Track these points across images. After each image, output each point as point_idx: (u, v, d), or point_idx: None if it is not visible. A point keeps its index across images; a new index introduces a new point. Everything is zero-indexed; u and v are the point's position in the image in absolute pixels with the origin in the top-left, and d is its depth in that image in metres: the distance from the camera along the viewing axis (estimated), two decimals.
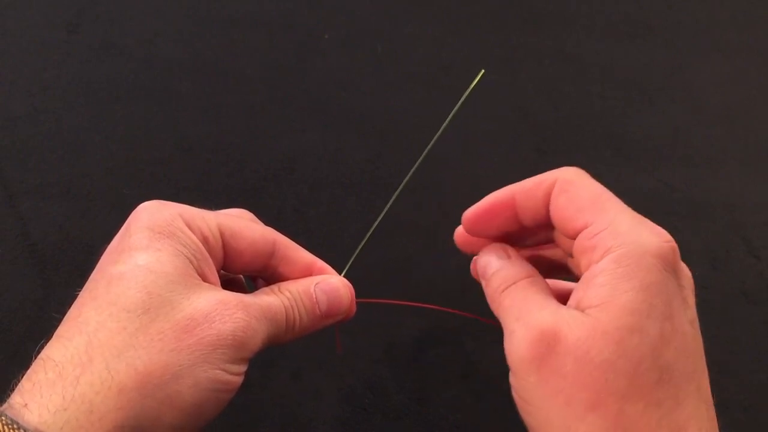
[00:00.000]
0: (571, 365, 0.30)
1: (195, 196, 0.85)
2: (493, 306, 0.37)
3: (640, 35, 1.14)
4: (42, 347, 0.33)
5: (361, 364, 0.69)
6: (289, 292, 0.40)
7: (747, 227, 0.87)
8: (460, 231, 0.41)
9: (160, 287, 0.33)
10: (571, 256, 0.38)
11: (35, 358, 0.33)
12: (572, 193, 0.34)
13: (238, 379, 0.35)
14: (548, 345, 0.30)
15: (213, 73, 0.99)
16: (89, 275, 0.38)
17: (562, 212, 0.35)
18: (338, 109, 0.96)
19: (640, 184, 0.90)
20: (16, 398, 0.31)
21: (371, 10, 1.12)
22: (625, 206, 0.34)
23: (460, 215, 0.40)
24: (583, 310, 0.32)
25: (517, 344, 0.32)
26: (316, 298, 0.40)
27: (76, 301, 0.35)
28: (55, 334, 0.34)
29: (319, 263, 0.43)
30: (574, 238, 0.35)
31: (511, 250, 0.38)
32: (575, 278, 0.38)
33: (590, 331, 0.30)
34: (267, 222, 0.45)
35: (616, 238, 0.32)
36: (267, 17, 1.08)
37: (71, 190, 0.82)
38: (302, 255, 0.43)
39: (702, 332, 0.35)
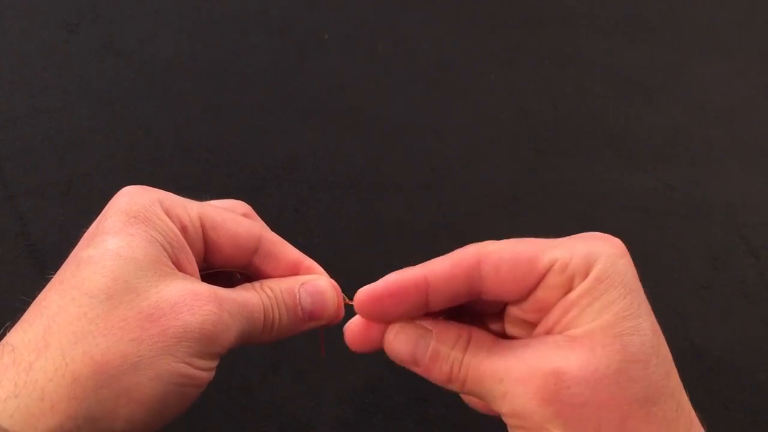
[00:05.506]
0: (587, 390, 0.28)
1: (195, 196, 0.85)
2: (452, 387, 0.33)
3: (640, 35, 1.14)
4: (7, 330, 0.32)
5: (361, 365, 0.69)
6: (271, 289, 0.38)
7: (747, 227, 0.87)
8: (353, 327, 0.35)
9: (127, 273, 0.31)
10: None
11: None
12: (508, 261, 0.31)
13: (206, 375, 0.32)
14: (555, 385, 0.29)
15: (213, 73, 0.99)
16: None
17: (512, 279, 0.32)
18: (338, 109, 0.96)
19: (640, 184, 0.90)
20: None
21: (371, 10, 1.12)
22: (551, 239, 0.32)
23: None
24: (560, 333, 0.31)
25: (520, 400, 0.29)
26: (299, 298, 0.38)
27: (46, 286, 0.34)
28: (21, 318, 0.32)
29: (308, 262, 0.41)
30: (526, 295, 0.32)
31: (426, 320, 0.34)
32: (496, 328, 0.35)
33: (589, 351, 0.29)
34: (267, 222, 0.45)
35: (588, 260, 0.30)
36: (267, 17, 1.08)
37: (71, 190, 0.82)
38: (289, 252, 0.40)
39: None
